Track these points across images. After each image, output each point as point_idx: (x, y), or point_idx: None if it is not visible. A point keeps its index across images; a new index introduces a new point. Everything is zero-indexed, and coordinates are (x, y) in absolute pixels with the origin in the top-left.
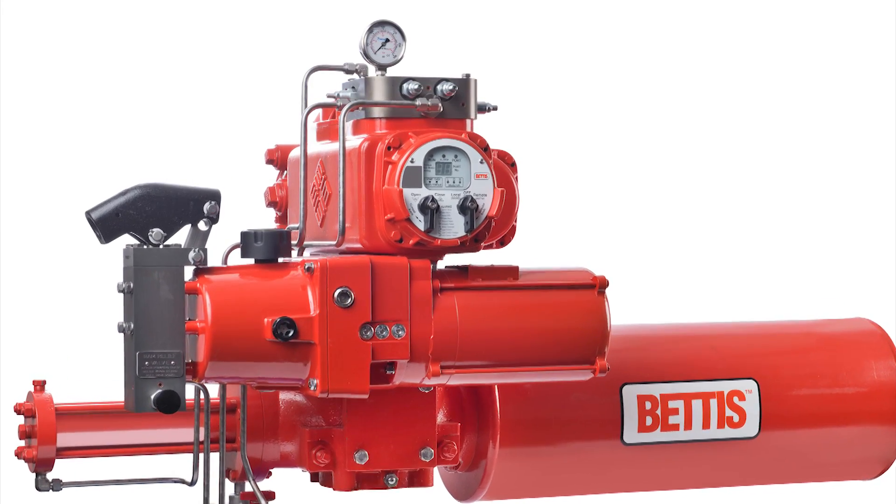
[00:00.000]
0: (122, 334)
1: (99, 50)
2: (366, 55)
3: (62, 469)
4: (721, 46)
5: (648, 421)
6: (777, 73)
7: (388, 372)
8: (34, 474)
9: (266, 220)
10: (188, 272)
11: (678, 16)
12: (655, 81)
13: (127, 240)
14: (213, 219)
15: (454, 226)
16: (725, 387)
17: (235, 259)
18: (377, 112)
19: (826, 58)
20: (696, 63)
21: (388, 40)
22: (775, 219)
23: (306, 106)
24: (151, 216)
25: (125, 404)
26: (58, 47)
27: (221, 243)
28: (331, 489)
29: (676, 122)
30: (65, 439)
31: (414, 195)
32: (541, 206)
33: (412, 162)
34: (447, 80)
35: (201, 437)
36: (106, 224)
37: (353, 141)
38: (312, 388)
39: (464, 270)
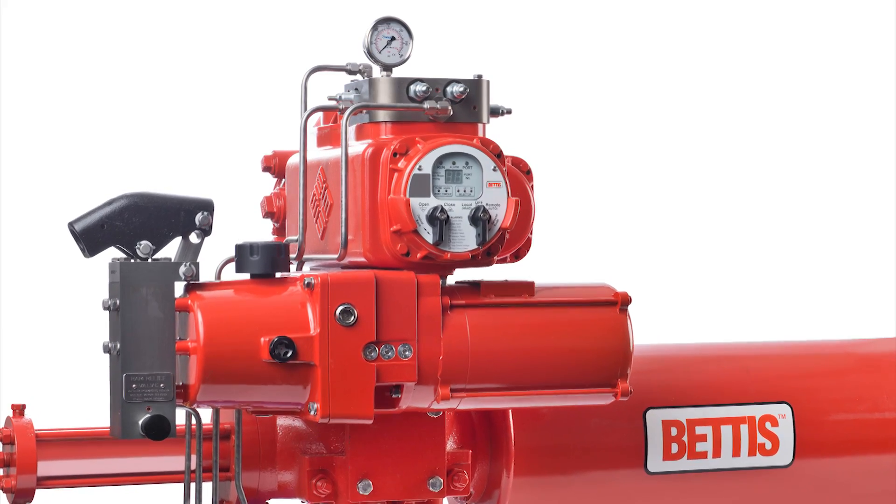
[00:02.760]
0: (107, 355)
1: (87, 49)
2: (370, 54)
3: (43, 500)
4: (757, 47)
5: (674, 448)
6: (816, 83)
7: (393, 395)
8: None
9: (263, 231)
10: (179, 288)
11: (706, 14)
12: (681, 84)
13: (113, 253)
14: (205, 230)
15: (465, 238)
16: (757, 411)
17: (230, 274)
18: (382, 116)
19: (864, 70)
20: (727, 63)
21: (393, 38)
22: (812, 234)
23: (306, 109)
24: (139, 228)
25: (111, 430)
26: (50, 47)
27: (215, 257)
28: None
29: (703, 131)
30: (46, 468)
31: (422, 205)
32: (558, 216)
33: (420, 169)
34: (457, 81)
35: (193, 466)
36: (90, 236)
37: (357, 147)
38: (312, 412)
39: (475, 286)
